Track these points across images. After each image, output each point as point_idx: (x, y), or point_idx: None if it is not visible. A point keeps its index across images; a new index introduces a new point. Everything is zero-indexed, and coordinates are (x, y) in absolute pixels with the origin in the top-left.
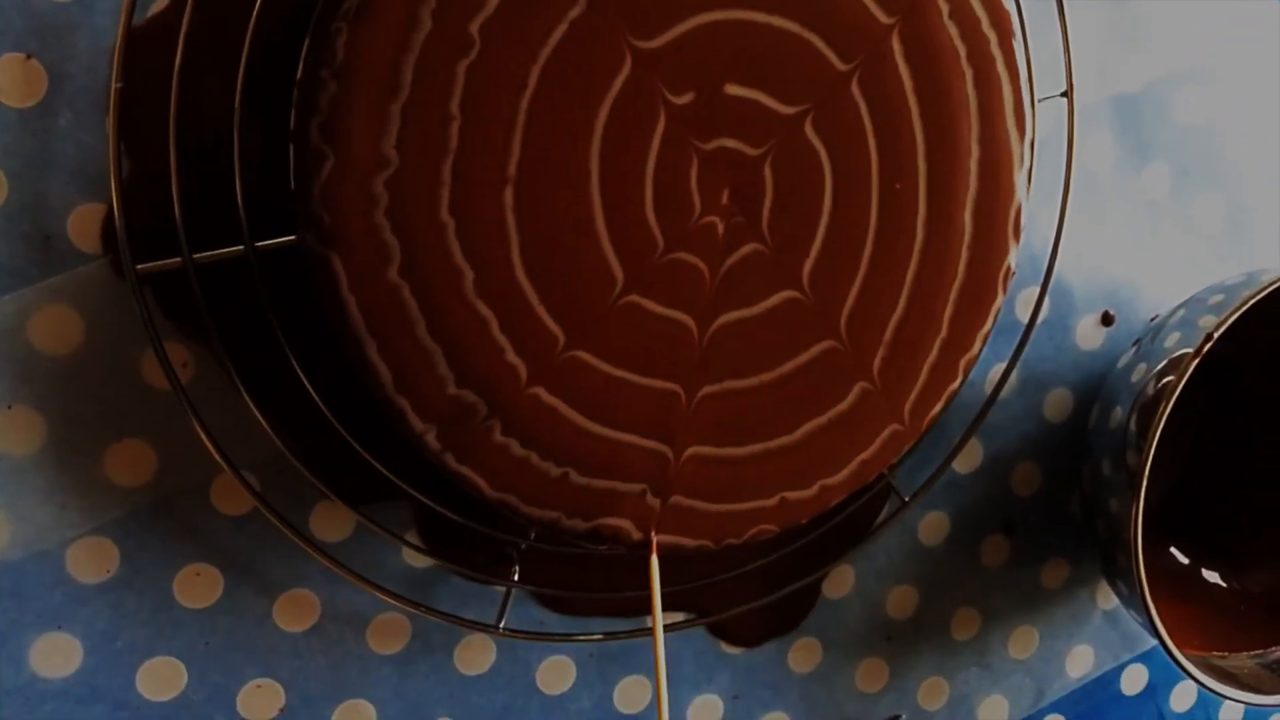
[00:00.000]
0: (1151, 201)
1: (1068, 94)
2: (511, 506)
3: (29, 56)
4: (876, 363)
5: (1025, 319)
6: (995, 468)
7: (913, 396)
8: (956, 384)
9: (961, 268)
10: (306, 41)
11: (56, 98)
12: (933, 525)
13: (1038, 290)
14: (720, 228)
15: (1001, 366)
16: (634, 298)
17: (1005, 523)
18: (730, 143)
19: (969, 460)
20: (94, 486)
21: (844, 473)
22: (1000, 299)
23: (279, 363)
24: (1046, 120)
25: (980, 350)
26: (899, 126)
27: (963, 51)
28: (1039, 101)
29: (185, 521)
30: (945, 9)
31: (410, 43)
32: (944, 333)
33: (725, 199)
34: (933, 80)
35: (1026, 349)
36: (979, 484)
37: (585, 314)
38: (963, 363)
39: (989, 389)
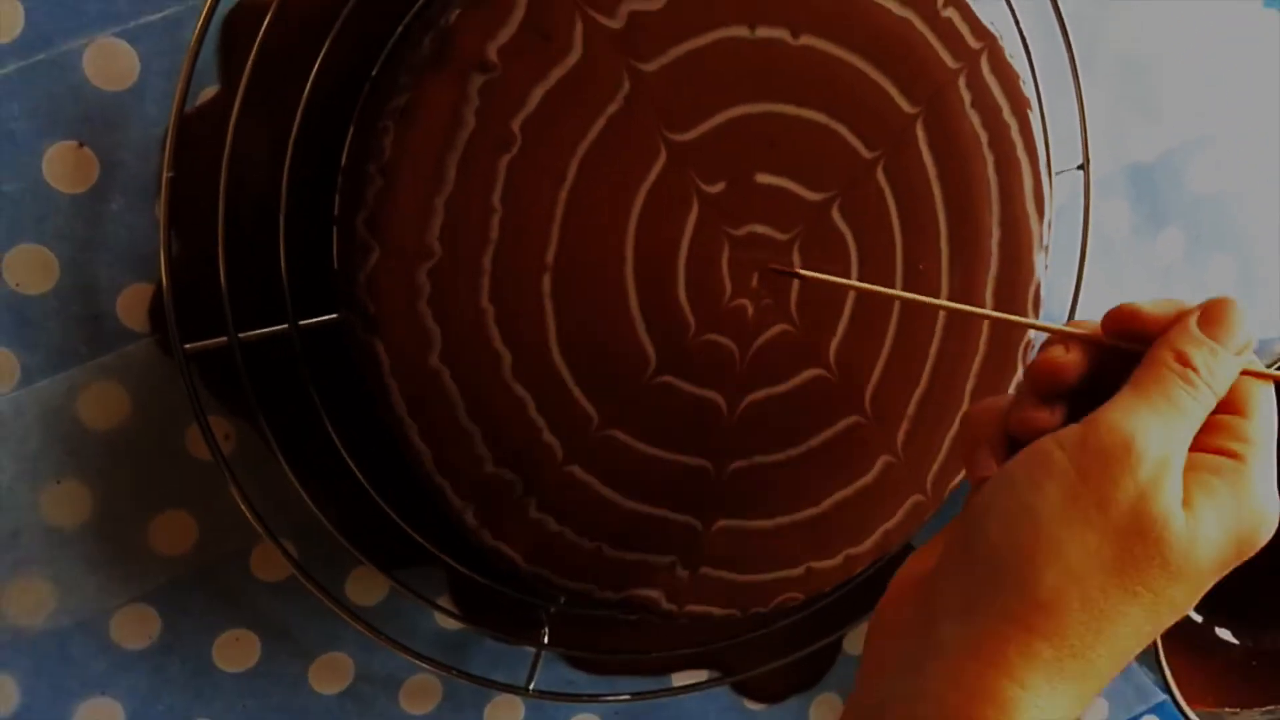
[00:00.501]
0: (1166, 266)
1: (1084, 166)
2: (545, 579)
3: (81, 144)
4: (900, 436)
5: None
6: None
7: (935, 468)
8: None
9: (982, 343)
10: (351, 130)
11: (108, 183)
12: None
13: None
14: (750, 309)
15: None
16: (667, 377)
17: None
18: (760, 228)
19: None
20: (138, 556)
21: (868, 542)
22: (1020, 372)
23: (317, 433)
24: (1064, 190)
25: None
26: (923, 210)
27: (984, 138)
28: (1057, 174)
29: (225, 588)
30: (967, 98)
31: (454, 140)
32: (965, 406)
33: (755, 282)
34: (955, 166)
35: None
36: None
37: (619, 394)
38: None
39: None
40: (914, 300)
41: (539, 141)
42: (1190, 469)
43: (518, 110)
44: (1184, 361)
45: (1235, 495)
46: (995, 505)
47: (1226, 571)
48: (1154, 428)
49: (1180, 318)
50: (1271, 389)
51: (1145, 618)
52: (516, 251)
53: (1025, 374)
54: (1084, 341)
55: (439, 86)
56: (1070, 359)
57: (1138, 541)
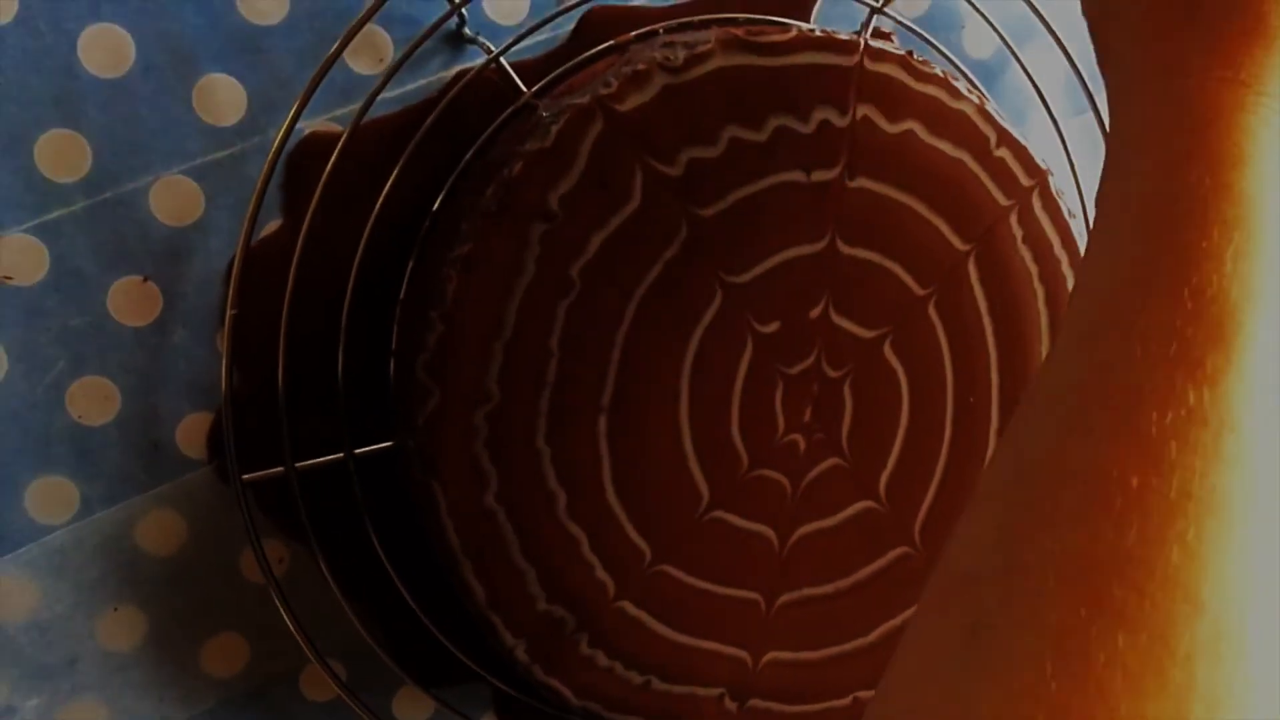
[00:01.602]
0: None
1: None
2: (595, 715)
3: (146, 279)
4: None
5: None
6: None
7: None
8: None
9: None
10: (410, 264)
11: (170, 316)
12: None
13: None
14: (802, 444)
15: None
16: (719, 513)
17: None
18: (813, 365)
19: None
20: (190, 678)
21: None
22: None
23: (368, 557)
24: None
25: None
26: (973, 344)
27: (1034, 272)
28: None
29: (275, 709)
30: (1019, 234)
31: (515, 287)
32: None
33: (807, 417)
34: (1006, 300)
35: None
36: None
37: (671, 530)
38: None
39: None
40: None
41: (597, 286)
42: None
43: (577, 257)
44: None
45: None
46: None
47: None
48: None
49: None
50: None
51: None
52: (573, 394)
53: None
54: None
55: (501, 237)
56: None
57: None
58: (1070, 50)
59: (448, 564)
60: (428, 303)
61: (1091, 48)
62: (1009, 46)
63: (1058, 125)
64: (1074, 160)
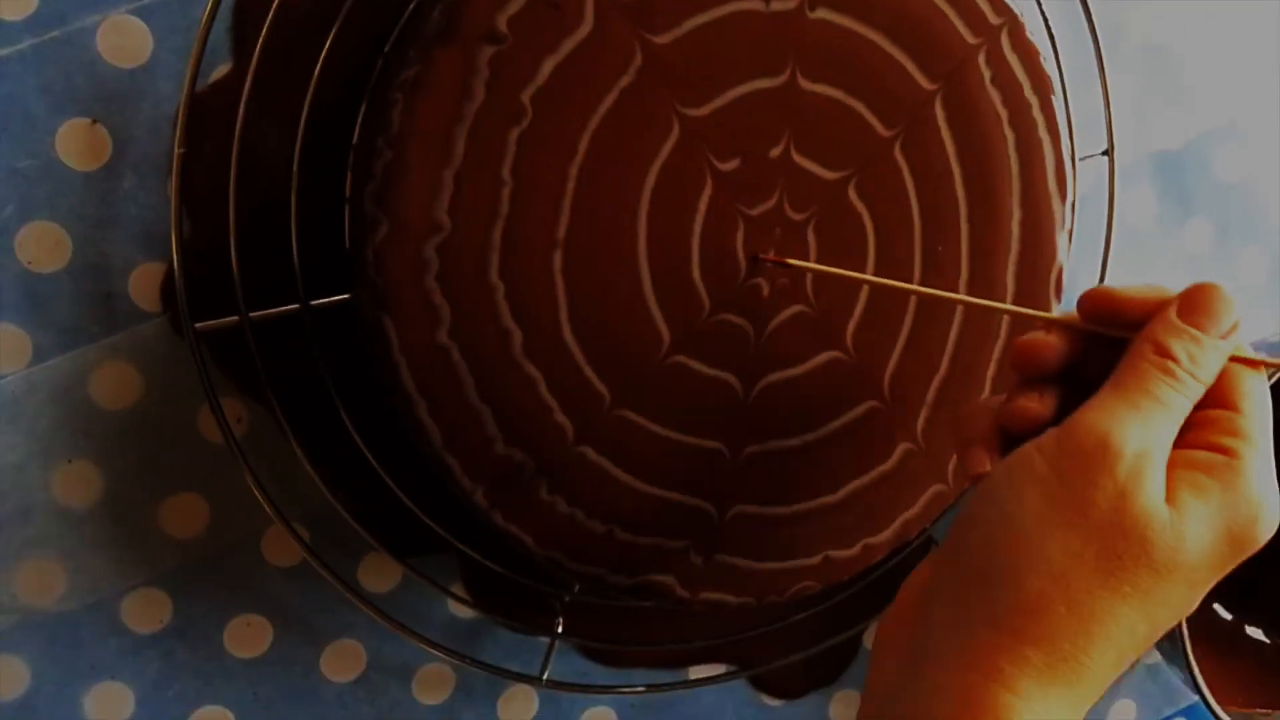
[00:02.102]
0: (1193, 256)
1: (1109, 152)
2: (557, 563)
3: (94, 122)
4: (920, 423)
5: None
6: None
7: (955, 456)
8: None
9: (1003, 329)
10: (363, 107)
11: (120, 161)
12: None
13: None
14: (765, 289)
15: None
16: (680, 358)
17: None
18: (774, 206)
19: None
20: (149, 539)
21: (887, 532)
22: None
23: (331, 417)
24: (1088, 177)
25: None
26: (941, 190)
27: (1004, 116)
28: (1080, 160)
29: (236, 573)
30: (987, 74)
31: (464, 112)
32: (987, 393)
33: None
34: (975, 145)
35: None
36: None
37: (632, 373)
38: None
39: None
40: (897, 287)
41: (550, 114)
42: (1179, 466)
43: (528, 82)
44: (1163, 353)
45: (1227, 492)
46: (978, 514)
47: (1227, 570)
48: (1131, 425)
49: (1161, 306)
50: (1264, 377)
51: (1138, 618)
52: (527, 227)
53: (1010, 361)
54: (1065, 326)
55: (447, 59)
56: (1049, 340)
57: (1120, 541)
58: None
59: (403, 407)
60: (376, 133)
61: None
62: None
63: None
64: (1049, 22)
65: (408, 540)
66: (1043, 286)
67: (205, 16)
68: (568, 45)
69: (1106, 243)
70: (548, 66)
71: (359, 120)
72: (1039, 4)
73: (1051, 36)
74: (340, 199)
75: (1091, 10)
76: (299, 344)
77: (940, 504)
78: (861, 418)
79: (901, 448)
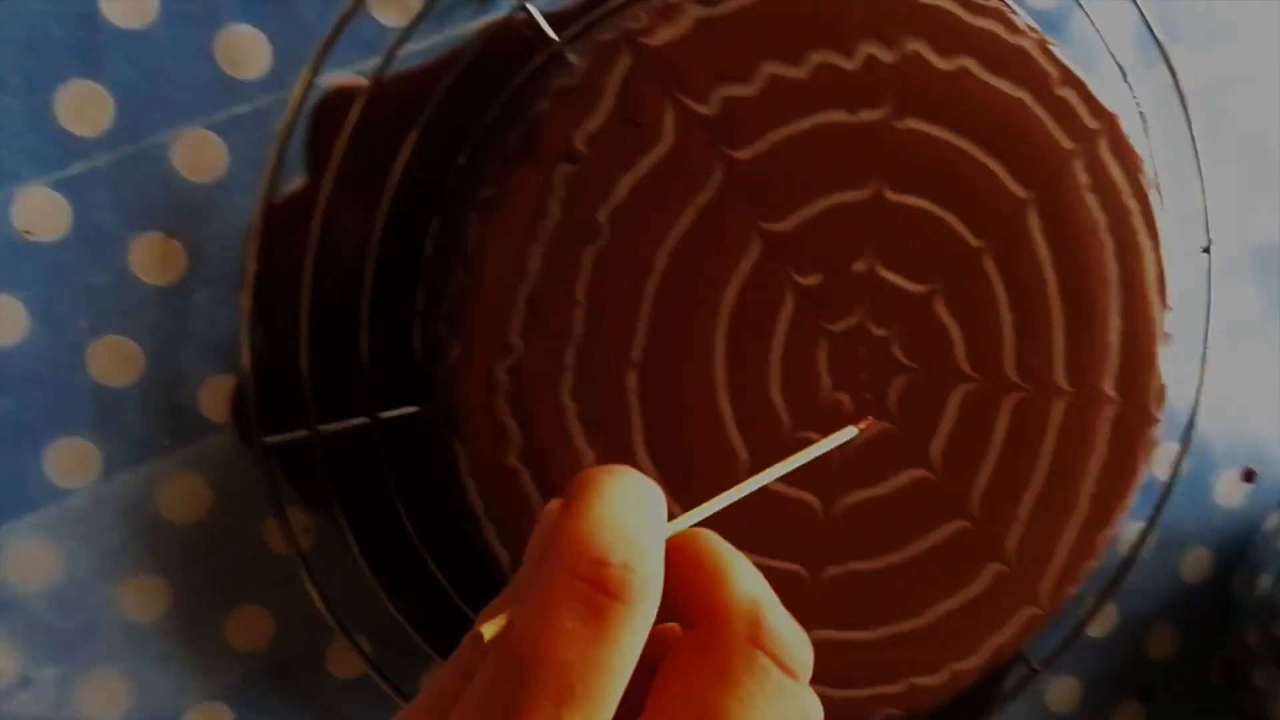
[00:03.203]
0: None
1: (1208, 249)
2: None
3: (169, 236)
4: (1012, 543)
5: (1164, 475)
6: (1129, 630)
7: (1050, 578)
8: (1096, 562)
9: (1103, 443)
10: (435, 221)
11: (193, 275)
12: (1063, 691)
13: (1177, 447)
14: (848, 405)
15: (1138, 526)
16: None
17: (1141, 688)
18: (858, 323)
19: (1102, 623)
20: (213, 652)
21: (975, 657)
22: (1142, 474)
23: (396, 530)
24: (1187, 272)
25: (1120, 525)
26: (1035, 301)
27: (1102, 222)
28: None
29: (299, 685)
30: (1084, 180)
31: (538, 232)
32: (1084, 511)
33: (853, 377)
34: (1071, 253)
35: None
36: (1112, 647)
37: (708, 494)
38: (1102, 540)
39: (1124, 550)
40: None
41: (626, 233)
42: None
43: (605, 200)
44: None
45: None
46: None
47: None
48: None
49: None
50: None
51: None
52: (601, 347)
53: None
54: None
55: (524, 177)
56: None
57: None
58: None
59: (471, 529)
60: (450, 251)
61: None
62: None
63: (1127, 78)
64: (1145, 116)
65: None
66: (1143, 399)
67: (282, 132)
68: (647, 162)
69: (1205, 340)
70: (626, 184)
71: (431, 233)
72: (1135, 99)
73: (1145, 129)
74: (410, 312)
75: (1187, 101)
76: (366, 456)
77: (1031, 627)
78: (949, 538)
79: (991, 569)
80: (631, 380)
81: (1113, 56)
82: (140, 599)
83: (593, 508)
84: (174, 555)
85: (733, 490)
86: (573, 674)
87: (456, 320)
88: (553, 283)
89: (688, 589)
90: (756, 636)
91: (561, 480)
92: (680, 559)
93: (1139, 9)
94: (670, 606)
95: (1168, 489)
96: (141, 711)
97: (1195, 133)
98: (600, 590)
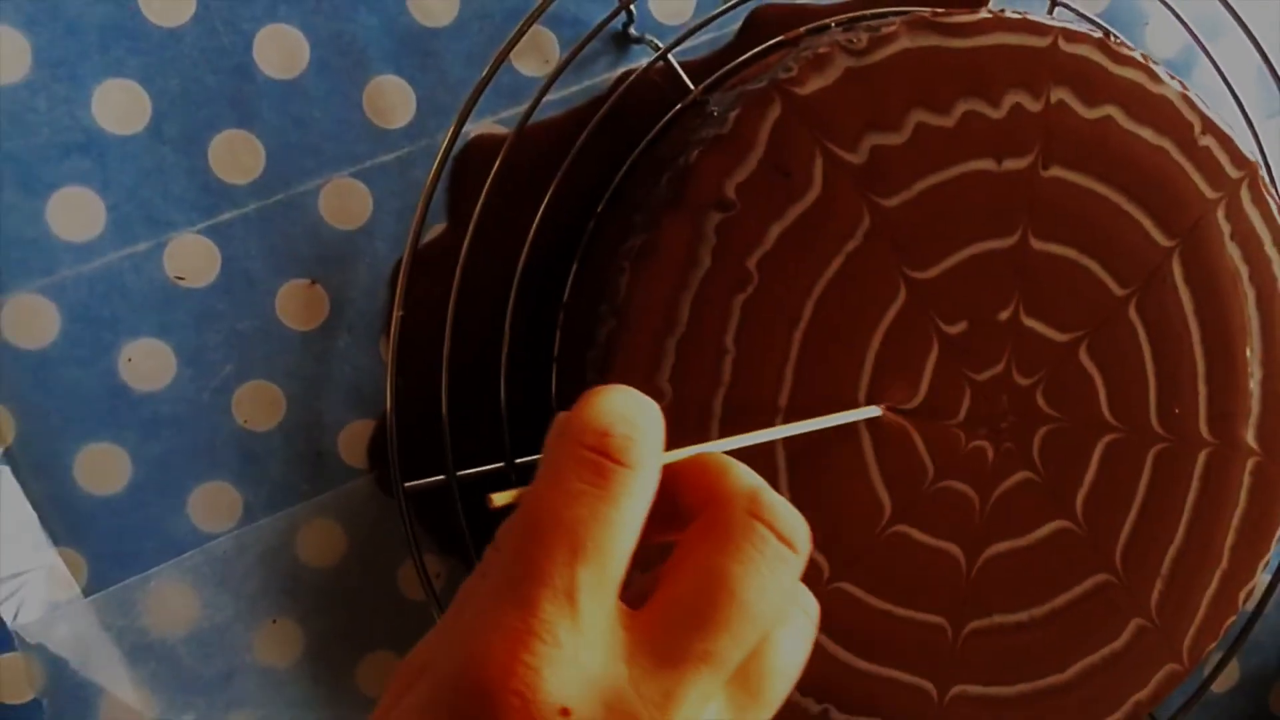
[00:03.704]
0: None
1: None
2: None
3: (313, 282)
4: (1154, 597)
5: None
6: (1253, 686)
7: (1191, 633)
8: (1235, 617)
9: (1243, 494)
10: (574, 267)
11: (336, 321)
12: None
13: None
14: (990, 454)
15: (1265, 579)
16: (902, 527)
17: None
18: (1002, 371)
19: (1226, 679)
20: (346, 696)
21: (1118, 714)
22: None
23: None
24: None
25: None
26: (1178, 350)
27: (1244, 273)
28: None
29: None
30: (1226, 230)
31: (690, 280)
32: (1224, 564)
33: (995, 427)
34: (1213, 302)
35: None
36: (1235, 705)
37: (851, 544)
38: (1242, 594)
39: (1249, 605)
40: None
41: (775, 280)
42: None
43: (755, 248)
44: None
45: None
46: None
47: None
48: None
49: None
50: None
51: None
52: (748, 393)
53: None
54: None
55: (676, 226)
56: None
57: None
58: (1264, 46)
59: None
60: (598, 298)
61: None
62: (1199, 42)
63: (1253, 126)
64: (1270, 164)
65: None
66: None
67: (430, 180)
68: (795, 211)
69: None
70: (774, 232)
71: (569, 279)
72: (1260, 146)
73: (1273, 181)
74: (547, 357)
75: None
76: None
77: (1171, 684)
78: (1091, 591)
79: (1134, 624)
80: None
81: (1240, 106)
82: (276, 644)
83: (596, 399)
84: (310, 600)
85: (753, 434)
86: (584, 530)
87: (607, 366)
88: (702, 330)
89: (695, 490)
90: (756, 510)
91: None
92: (687, 469)
93: (1263, 55)
94: (680, 515)
95: None
96: None
97: None
98: (604, 455)
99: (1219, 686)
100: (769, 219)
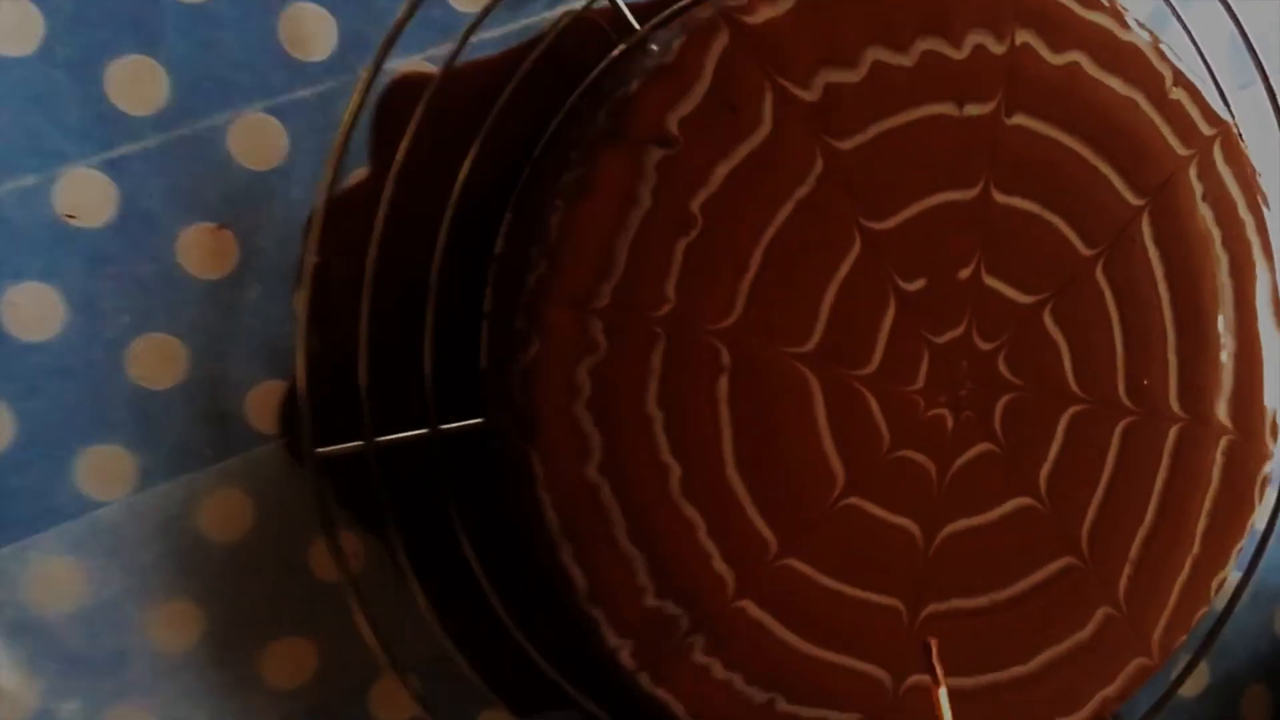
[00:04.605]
0: None
1: None
2: None
3: (221, 227)
4: (1122, 583)
5: (1260, 524)
6: (1223, 690)
7: (1161, 623)
8: (1208, 608)
9: (1216, 474)
10: (508, 217)
11: (245, 270)
12: None
13: (1278, 490)
14: (949, 423)
15: (1234, 578)
16: (855, 499)
17: None
18: (962, 334)
19: (1195, 683)
20: (248, 688)
21: (1084, 711)
22: (1256, 511)
23: (454, 556)
24: None
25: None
26: (1147, 317)
27: (1217, 236)
28: None
29: None
30: (1199, 189)
31: (627, 221)
32: (1196, 549)
33: (955, 394)
34: (1184, 267)
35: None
36: (1205, 708)
37: (801, 517)
38: (1215, 582)
39: (1219, 603)
40: None
41: (721, 225)
42: None
43: (699, 189)
44: None
45: None
46: None
47: None
48: None
49: None
50: None
51: None
52: (690, 350)
53: None
54: None
55: (613, 162)
56: None
57: None
58: (1238, 14)
59: (544, 550)
60: (526, 245)
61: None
62: (1169, 4)
63: (1224, 95)
64: (1242, 135)
65: (531, 696)
66: (1258, 428)
67: (347, 119)
68: (743, 150)
69: None
70: (720, 172)
71: (502, 230)
72: (1229, 112)
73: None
74: (476, 316)
75: None
76: (424, 473)
77: (1140, 678)
78: (1056, 575)
79: (1101, 612)
80: (722, 387)
81: (1211, 75)
82: (172, 626)
83: None
84: (211, 578)
85: None
86: None
87: (536, 314)
88: (641, 276)
89: None
90: None
91: (644, 496)
92: None
93: (1236, 23)
94: None
95: (1265, 535)
96: None
97: None
98: None
99: (1188, 690)
100: (714, 158)
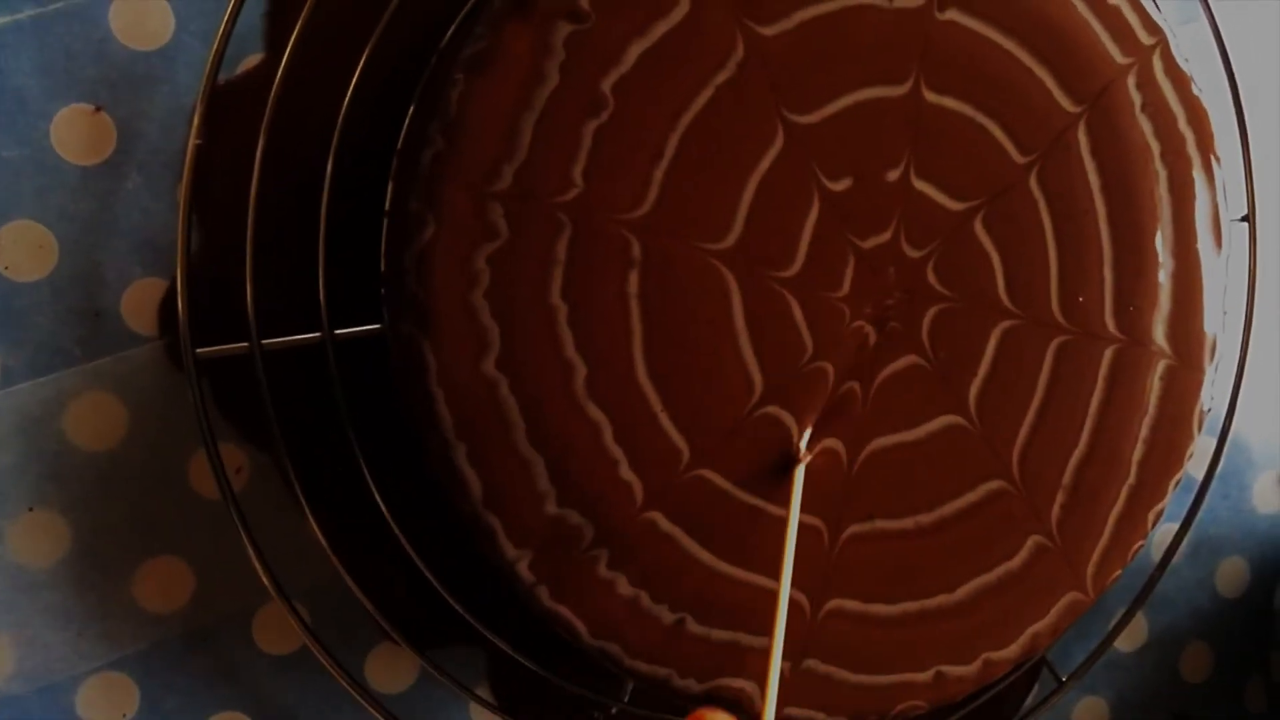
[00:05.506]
0: None
1: (1249, 218)
2: (613, 658)
3: (98, 109)
4: (1055, 511)
5: (1198, 475)
6: (1162, 647)
7: (1096, 556)
8: (1144, 541)
9: (1153, 400)
10: (411, 109)
11: (125, 157)
12: (1091, 712)
13: (1214, 442)
14: (874, 335)
15: (1171, 528)
16: (774, 409)
17: (1174, 712)
18: (890, 240)
19: (1133, 637)
20: (118, 611)
21: (1014, 646)
22: (1195, 442)
23: (347, 473)
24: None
25: (1168, 501)
26: (1082, 230)
27: (1155, 150)
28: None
29: (220, 659)
30: (1138, 100)
31: (533, 99)
32: (1132, 479)
33: (881, 303)
34: (1122, 180)
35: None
36: (1143, 665)
37: (715, 426)
38: (1152, 515)
39: (1156, 554)
40: None
41: (634, 108)
42: None
43: (611, 68)
44: None
45: None
46: None
47: None
48: None
49: None
50: None
51: None
52: (598, 243)
53: None
54: None
55: (519, 35)
56: None
57: None
58: None
59: (437, 452)
60: (428, 121)
61: None
62: None
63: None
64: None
65: (429, 629)
66: (1196, 352)
67: None
68: (659, 29)
69: (1247, 323)
70: (634, 52)
71: (406, 123)
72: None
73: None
74: (377, 212)
75: (1232, 62)
76: (316, 383)
77: (1072, 614)
78: (985, 500)
79: (1032, 541)
80: (632, 281)
81: (1155, 4)
82: (34, 539)
83: None
84: (79, 488)
85: None
86: None
87: (433, 195)
88: (547, 158)
89: None
90: None
91: (545, 394)
92: None
93: None
94: None
95: (1203, 487)
96: (27, 676)
97: (1241, 98)
98: None
99: (1125, 644)
100: (628, 35)
